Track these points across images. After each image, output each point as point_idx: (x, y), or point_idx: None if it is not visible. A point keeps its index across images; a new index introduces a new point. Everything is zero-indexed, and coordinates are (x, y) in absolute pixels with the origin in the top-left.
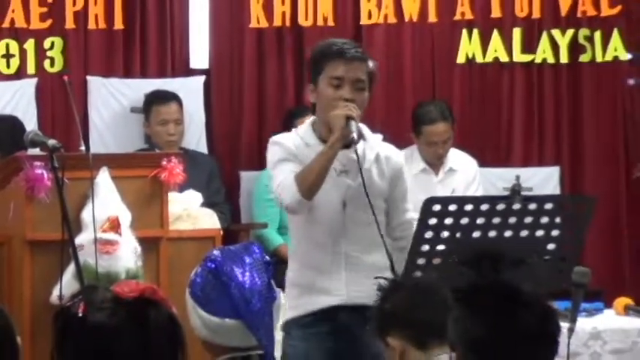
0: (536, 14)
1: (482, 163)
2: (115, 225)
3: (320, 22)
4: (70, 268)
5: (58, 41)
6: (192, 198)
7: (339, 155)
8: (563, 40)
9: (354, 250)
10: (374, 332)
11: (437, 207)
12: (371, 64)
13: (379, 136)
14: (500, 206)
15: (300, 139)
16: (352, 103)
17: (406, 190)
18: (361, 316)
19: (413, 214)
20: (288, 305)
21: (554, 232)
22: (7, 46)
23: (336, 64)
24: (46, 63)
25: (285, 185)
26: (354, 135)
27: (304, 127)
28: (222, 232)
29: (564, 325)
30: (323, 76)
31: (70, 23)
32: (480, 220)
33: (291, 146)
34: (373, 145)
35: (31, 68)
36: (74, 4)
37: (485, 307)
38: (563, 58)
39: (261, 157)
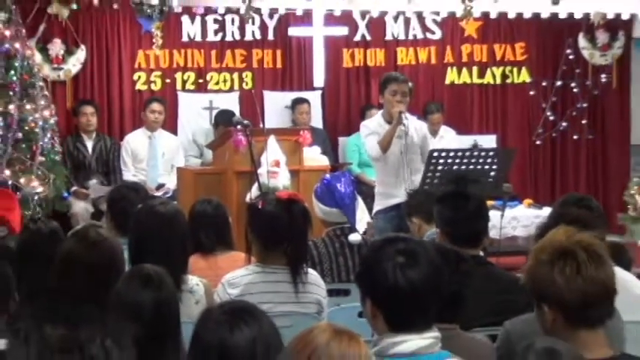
0: (484, 60)
1: (458, 132)
2: (277, 163)
3: (378, 64)
4: (255, 185)
5: (249, 74)
6: (315, 150)
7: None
8: (498, 71)
9: (407, 174)
10: (405, 215)
11: (435, 154)
12: (410, 84)
13: (415, 117)
14: (467, 153)
15: (377, 123)
16: (401, 104)
17: (429, 145)
18: None
19: None
20: (376, 203)
21: (494, 166)
22: (224, 76)
23: (393, 84)
24: (243, 84)
25: (373, 147)
26: (404, 120)
27: (378, 117)
28: (330, 167)
29: (498, 213)
30: (387, 90)
31: (255, 65)
32: (456, 160)
33: (373, 127)
34: (412, 122)
35: (236, 86)
36: (257, 55)
37: (451, 203)
38: (499, 81)
39: (349, 129)
